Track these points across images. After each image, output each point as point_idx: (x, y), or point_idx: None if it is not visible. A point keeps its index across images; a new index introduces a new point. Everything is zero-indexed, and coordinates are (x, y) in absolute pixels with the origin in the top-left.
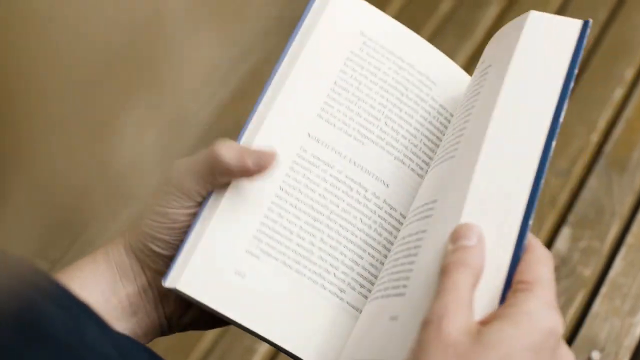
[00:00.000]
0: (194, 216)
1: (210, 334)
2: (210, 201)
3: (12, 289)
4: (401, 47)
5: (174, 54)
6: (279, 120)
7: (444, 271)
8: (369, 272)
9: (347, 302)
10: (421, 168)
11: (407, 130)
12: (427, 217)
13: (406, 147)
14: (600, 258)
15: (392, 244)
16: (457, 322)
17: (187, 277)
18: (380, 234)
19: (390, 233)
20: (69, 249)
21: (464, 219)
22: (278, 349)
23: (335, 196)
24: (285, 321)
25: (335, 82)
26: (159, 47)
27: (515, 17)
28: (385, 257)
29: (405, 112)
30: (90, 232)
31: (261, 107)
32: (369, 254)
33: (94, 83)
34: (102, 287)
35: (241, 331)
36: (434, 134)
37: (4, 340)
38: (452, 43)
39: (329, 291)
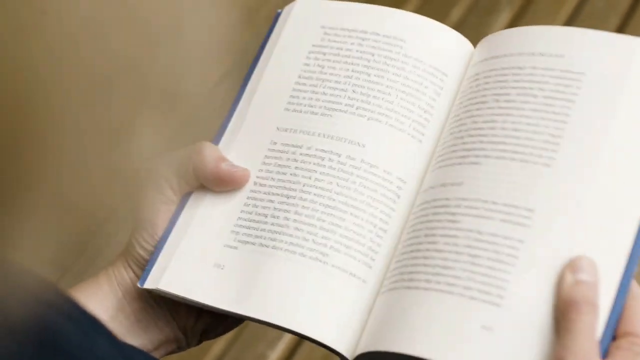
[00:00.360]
0: (169, 219)
1: (221, 343)
2: (189, 204)
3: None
4: (362, 22)
5: (184, 58)
6: (250, 128)
7: (572, 307)
8: (354, 232)
9: (332, 265)
10: (402, 123)
11: (378, 91)
12: (520, 224)
13: (380, 106)
14: None
15: (377, 201)
16: None
17: (168, 277)
18: (362, 193)
19: (375, 190)
20: (80, 256)
21: (577, 248)
22: (275, 327)
23: (307, 170)
24: (271, 297)
25: (299, 76)
26: (169, 53)
27: (527, 24)
28: (372, 215)
29: (375, 75)
30: (100, 241)
31: (233, 121)
32: (351, 214)
33: (107, 90)
34: (107, 305)
35: (251, 338)
36: (411, 87)
37: (20, 357)
38: None
39: (309, 257)
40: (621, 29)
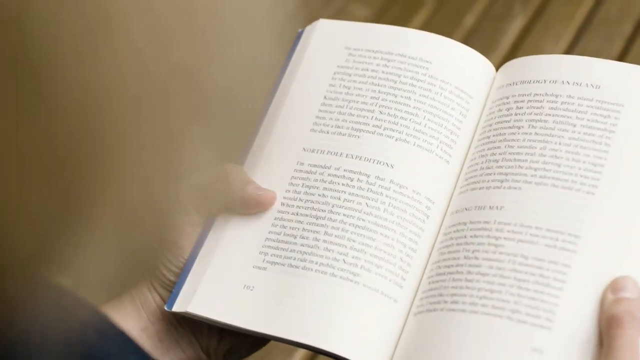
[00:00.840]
0: (194, 242)
1: None
2: (216, 226)
3: (63, 320)
4: (387, 44)
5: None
6: (275, 148)
7: (614, 322)
8: (384, 252)
9: (364, 285)
10: (430, 143)
11: (405, 112)
12: (566, 250)
13: (407, 127)
14: None
15: (406, 221)
16: None
17: (197, 300)
18: (391, 213)
19: (404, 211)
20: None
21: (623, 272)
22: (306, 348)
23: (335, 190)
24: (302, 318)
25: (325, 97)
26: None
27: (540, 30)
28: (402, 235)
29: (401, 96)
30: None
31: (257, 141)
32: (381, 234)
33: (165, 100)
34: (130, 326)
35: (268, 348)
36: (439, 109)
37: None
38: None
39: (341, 277)
40: (634, 35)
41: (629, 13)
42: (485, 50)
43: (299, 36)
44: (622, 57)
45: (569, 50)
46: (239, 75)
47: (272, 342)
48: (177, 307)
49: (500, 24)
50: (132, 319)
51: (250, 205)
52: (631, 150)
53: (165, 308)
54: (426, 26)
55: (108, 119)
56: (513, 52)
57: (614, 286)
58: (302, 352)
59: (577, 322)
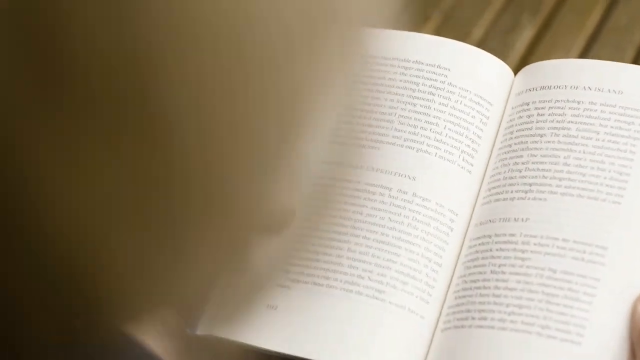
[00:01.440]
0: None
1: None
2: None
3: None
4: (403, 51)
5: None
6: None
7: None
8: (409, 267)
9: (390, 302)
10: (451, 154)
11: (425, 122)
12: (594, 262)
13: (428, 137)
14: None
15: (431, 235)
16: None
17: (222, 322)
18: (415, 227)
19: (428, 224)
20: None
21: None
22: None
23: (357, 205)
24: (328, 337)
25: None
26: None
27: (549, 41)
28: (427, 249)
29: (421, 105)
30: None
31: None
32: (405, 249)
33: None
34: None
35: None
36: (459, 117)
37: None
38: None
39: (366, 295)
40: None
41: (639, 22)
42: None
43: None
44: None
45: None
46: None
47: None
48: (202, 330)
49: (509, 36)
50: (152, 340)
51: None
52: None
53: (188, 331)
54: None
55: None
56: (523, 64)
57: None
58: None
59: (607, 336)
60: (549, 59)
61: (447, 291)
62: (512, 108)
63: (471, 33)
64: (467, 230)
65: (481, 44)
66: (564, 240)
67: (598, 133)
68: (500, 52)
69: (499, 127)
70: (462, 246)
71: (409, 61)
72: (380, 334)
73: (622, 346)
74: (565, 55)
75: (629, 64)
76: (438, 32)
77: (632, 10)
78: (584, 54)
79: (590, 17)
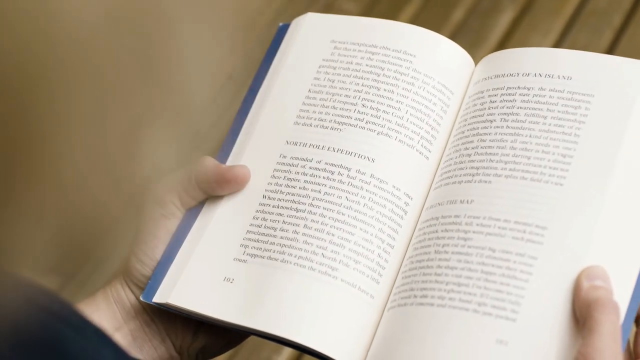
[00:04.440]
0: (172, 233)
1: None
2: (199, 219)
3: (29, 313)
4: (372, 37)
5: (186, 66)
6: (259, 141)
7: (599, 307)
8: (362, 247)
9: (342, 280)
10: (411, 138)
11: (388, 105)
12: (532, 242)
13: (390, 121)
14: None
15: (385, 216)
16: None
17: (177, 291)
18: (371, 208)
19: (384, 206)
20: (83, 264)
21: (589, 264)
22: (282, 342)
23: (316, 184)
24: (279, 311)
25: (309, 90)
26: (171, 59)
27: (529, 24)
28: (381, 230)
29: (384, 90)
30: (104, 248)
31: (242, 134)
32: (360, 229)
33: (116, 93)
34: (105, 325)
35: (257, 343)
36: (421, 104)
37: None
38: (466, 50)
39: (319, 271)
40: (623, 27)
41: (619, 5)
42: (473, 45)
43: (280, 30)
44: (611, 49)
45: (558, 44)
46: (198, 69)
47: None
48: (158, 299)
49: (489, 19)
50: (107, 318)
51: (226, 180)
52: (600, 140)
53: (142, 299)
54: (414, 21)
55: (46, 103)
56: (501, 47)
57: (589, 274)
58: (289, 349)
59: (541, 313)
60: (527, 41)
61: (398, 273)
62: (469, 97)
63: (451, 15)
64: (420, 214)
65: (461, 27)
66: (505, 220)
67: (545, 117)
68: (479, 35)
69: (457, 115)
70: (414, 229)
71: (376, 46)
72: (330, 311)
73: (555, 322)
74: (544, 37)
75: (603, 50)
76: (419, 14)
77: None
78: (563, 37)
79: (570, 0)
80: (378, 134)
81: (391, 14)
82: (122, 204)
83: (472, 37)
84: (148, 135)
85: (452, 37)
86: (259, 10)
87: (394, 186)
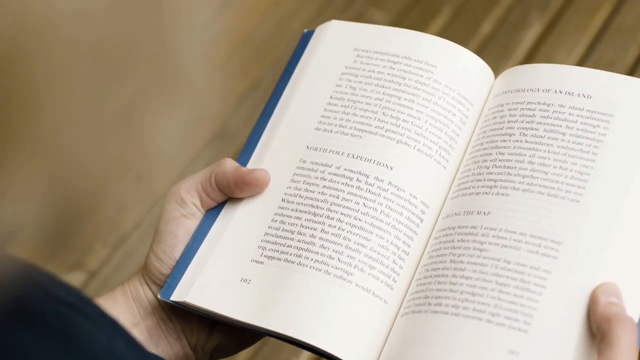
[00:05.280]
0: (191, 233)
1: (245, 351)
2: (219, 219)
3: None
4: (394, 46)
5: (185, 46)
6: (280, 145)
7: (619, 322)
8: (378, 253)
9: (356, 284)
10: (429, 148)
11: (408, 115)
12: (547, 256)
13: (409, 130)
14: None
15: (402, 224)
16: None
17: (195, 290)
18: (388, 215)
19: (400, 214)
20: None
21: (602, 280)
22: (295, 343)
23: (334, 189)
24: (293, 313)
25: (331, 97)
26: (171, 40)
27: (555, 40)
28: (397, 237)
29: (405, 99)
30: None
31: (263, 138)
32: (376, 235)
33: (114, 73)
34: (122, 320)
35: (276, 346)
36: (440, 114)
37: (45, 349)
38: (492, 63)
39: (334, 275)
40: None
41: None
42: (500, 58)
43: (304, 36)
44: (636, 65)
45: (583, 59)
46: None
47: (278, 341)
48: (175, 297)
49: (516, 32)
50: (125, 315)
51: (245, 183)
52: (618, 159)
53: (160, 297)
54: (443, 33)
55: (35, 65)
56: (527, 60)
57: (605, 290)
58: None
59: (552, 325)
60: (553, 55)
61: (412, 280)
62: (489, 109)
63: (480, 28)
64: (435, 223)
65: (489, 40)
66: (521, 234)
67: (564, 134)
68: (506, 49)
69: (475, 127)
70: (429, 238)
71: (398, 56)
72: (344, 314)
73: (566, 336)
74: (570, 52)
75: (628, 66)
76: (448, 26)
77: (639, 10)
78: (588, 53)
79: (597, 16)
80: (397, 142)
81: (420, 26)
82: (117, 179)
83: (500, 50)
84: (147, 114)
85: (480, 49)
86: (289, 17)
87: (411, 194)
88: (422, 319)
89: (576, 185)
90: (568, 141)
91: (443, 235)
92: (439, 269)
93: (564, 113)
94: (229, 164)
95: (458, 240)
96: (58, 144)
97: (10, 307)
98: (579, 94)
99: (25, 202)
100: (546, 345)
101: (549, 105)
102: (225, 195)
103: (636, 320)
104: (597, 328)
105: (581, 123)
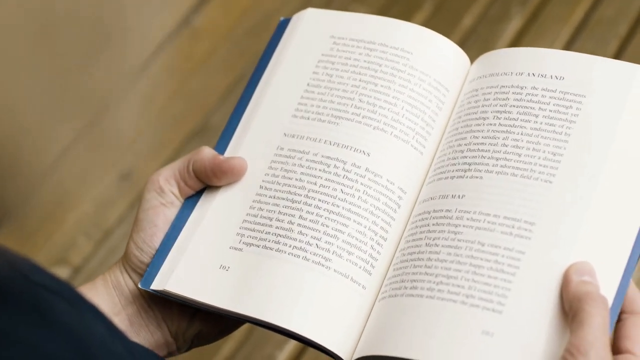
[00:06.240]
0: (170, 222)
1: (230, 343)
2: (197, 208)
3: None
4: (370, 33)
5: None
6: (258, 133)
7: (590, 301)
8: (356, 238)
9: (334, 270)
10: (406, 134)
11: (384, 101)
12: (520, 237)
13: (386, 116)
14: None
15: (379, 209)
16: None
17: (175, 279)
18: (365, 201)
19: (378, 199)
20: (92, 255)
21: (575, 259)
22: (275, 330)
23: (312, 176)
24: (272, 298)
25: (308, 84)
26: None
27: (536, 32)
28: (374, 223)
29: (381, 86)
30: (114, 239)
31: (241, 126)
32: (354, 221)
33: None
34: (103, 309)
35: (260, 340)
36: (417, 100)
37: (20, 326)
38: (474, 57)
39: (312, 262)
40: (629, 36)
41: (625, 13)
42: (482, 51)
43: (281, 25)
44: (617, 58)
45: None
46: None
47: (264, 334)
48: (155, 286)
49: (498, 25)
50: (106, 303)
51: (223, 171)
52: (590, 140)
53: (140, 286)
54: (424, 26)
55: None
56: None
57: (577, 269)
58: (292, 343)
59: (527, 306)
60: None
61: (390, 265)
62: (464, 94)
63: (461, 22)
64: (413, 208)
65: (471, 33)
66: (495, 215)
67: (537, 116)
68: (488, 42)
69: (452, 112)
70: (407, 223)
71: (374, 43)
72: (322, 300)
73: (539, 316)
74: (550, 45)
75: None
76: (429, 20)
77: (619, 3)
78: (569, 45)
79: (577, 9)
80: (374, 128)
81: (402, 19)
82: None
83: (481, 44)
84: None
85: (461, 43)
86: (274, 11)
87: (388, 180)
88: (398, 303)
89: (549, 167)
90: (541, 123)
91: (419, 220)
92: (414, 252)
93: (536, 95)
94: (207, 152)
95: (433, 224)
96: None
97: None
98: (551, 76)
99: None
100: (520, 325)
101: (522, 88)
102: (203, 183)
103: (611, 298)
104: (569, 307)
105: (554, 104)
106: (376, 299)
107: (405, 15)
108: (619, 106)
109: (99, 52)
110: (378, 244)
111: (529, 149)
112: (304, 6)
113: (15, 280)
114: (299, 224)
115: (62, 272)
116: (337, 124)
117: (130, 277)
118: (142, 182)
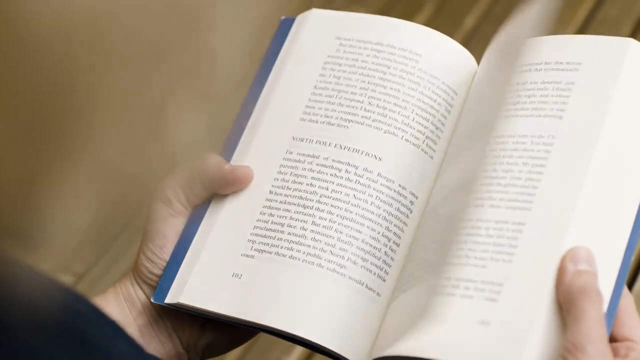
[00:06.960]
0: (180, 232)
1: (237, 349)
2: (206, 217)
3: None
4: (377, 34)
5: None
6: (265, 136)
7: (584, 295)
8: (370, 245)
9: (349, 277)
10: (417, 138)
11: (394, 104)
12: (523, 208)
13: (396, 120)
14: None
15: (392, 215)
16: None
17: (188, 291)
18: (378, 207)
19: (390, 205)
20: (95, 263)
21: (571, 243)
22: (290, 339)
23: (324, 181)
24: (288, 307)
25: (315, 86)
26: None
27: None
28: (387, 229)
29: (391, 88)
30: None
31: (248, 129)
32: (367, 227)
33: (143, 73)
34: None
35: (267, 344)
36: (426, 103)
37: (57, 346)
38: (478, 58)
39: (327, 269)
40: (634, 36)
41: (629, 13)
42: (484, 52)
43: (283, 24)
44: None
45: None
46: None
47: (271, 339)
48: (169, 299)
49: (501, 26)
50: (117, 315)
51: (228, 182)
52: (583, 118)
53: (153, 300)
54: (427, 26)
55: (87, 70)
56: None
57: (573, 256)
58: (300, 348)
59: (525, 295)
60: None
61: (400, 271)
62: (471, 98)
63: (464, 22)
64: (422, 214)
65: (473, 34)
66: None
67: (533, 102)
68: (491, 41)
69: (459, 115)
70: (417, 228)
71: (381, 44)
72: (338, 308)
73: (539, 304)
74: None
75: None
76: (431, 20)
77: (623, 3)
78: None
79: (581, 8)
80: (385, 132)
81: (404, 19)
82: (154, 181)
83: (484, 44)
84: (176, 113)
85: (464, 43)
86: (276, 11)
87: (400, 185)
88: (398, 303)
89: (543, 150)
90: (534, 108)
91: (428, 225)
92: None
93: (536, 82)
94: (212, 161)
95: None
96: (100, 148)
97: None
98: (545, 62)
99: (76, 212)
100: (515, 314)
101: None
102: (210, 192)
103: (611, 283)
104: (563, 300)
105: (549, 88)
106: (389, 305)
107: (407, 15)
108: (612, 78)
109: None
110: (392, 250)
111: (525, 135)
112: (302, 10)
113: (48, 309)
114: (312, 230)
115: (64, 280)
116: (347, 127)
117: (141, 289)
118: None
